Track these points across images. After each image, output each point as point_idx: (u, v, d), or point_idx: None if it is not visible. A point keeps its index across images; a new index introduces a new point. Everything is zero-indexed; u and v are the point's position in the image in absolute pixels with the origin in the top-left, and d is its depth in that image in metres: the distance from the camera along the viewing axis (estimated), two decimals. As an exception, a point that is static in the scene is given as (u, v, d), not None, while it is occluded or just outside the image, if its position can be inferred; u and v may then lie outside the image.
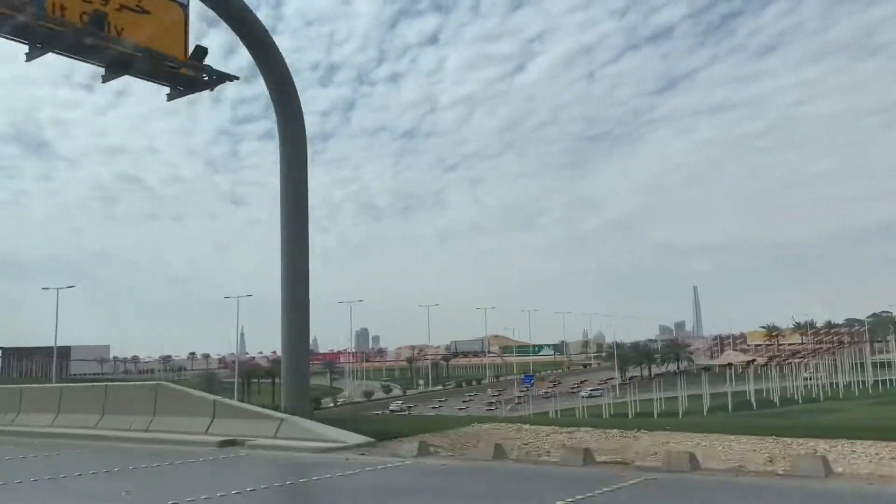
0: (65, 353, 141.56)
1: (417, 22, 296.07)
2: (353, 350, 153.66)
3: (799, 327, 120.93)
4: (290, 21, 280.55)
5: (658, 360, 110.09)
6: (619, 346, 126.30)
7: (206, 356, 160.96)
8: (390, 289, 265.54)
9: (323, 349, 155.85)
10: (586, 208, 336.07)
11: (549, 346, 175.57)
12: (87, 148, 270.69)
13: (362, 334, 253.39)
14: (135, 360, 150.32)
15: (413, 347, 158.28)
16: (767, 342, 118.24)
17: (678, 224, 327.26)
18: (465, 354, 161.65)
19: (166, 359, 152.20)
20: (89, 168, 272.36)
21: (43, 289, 75.60)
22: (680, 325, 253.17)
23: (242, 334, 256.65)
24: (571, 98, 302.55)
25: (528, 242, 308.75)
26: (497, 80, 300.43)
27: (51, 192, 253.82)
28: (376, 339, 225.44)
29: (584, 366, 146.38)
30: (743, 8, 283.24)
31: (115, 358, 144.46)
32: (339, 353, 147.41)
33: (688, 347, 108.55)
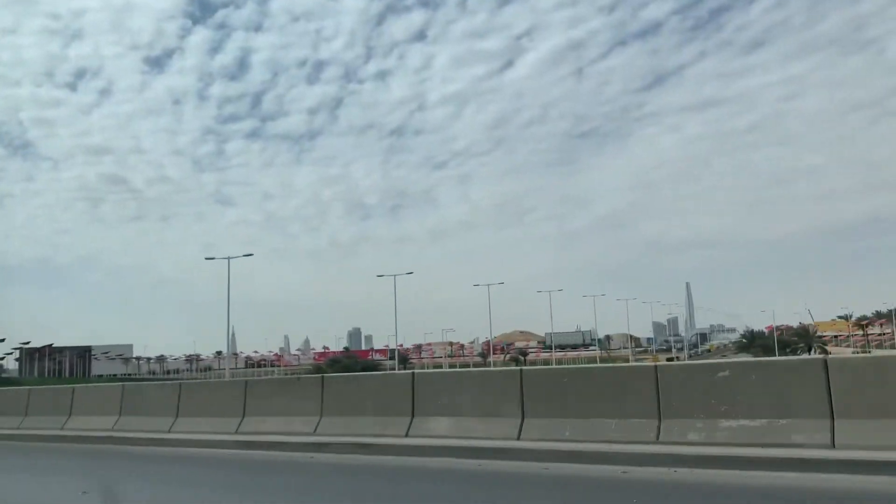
0: (85, 352, 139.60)
1: (404, 18, 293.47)
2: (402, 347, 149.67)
3: (880, 316, 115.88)
4: (277, 17, 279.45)
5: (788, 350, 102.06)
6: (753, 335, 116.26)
7: (236, 355, 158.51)
8: (380, 288, 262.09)
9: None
10: (576, 205, 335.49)
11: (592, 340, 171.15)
12: (72, 148, 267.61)
13: (355, 334, 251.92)
14: (161, 359, 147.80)
15: (451, 344, 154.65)
16: (852, 333, 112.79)
17: (667, 220, 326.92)
18: (563, 348, 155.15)
19: (194, 358, 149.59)
20: (74, 169, 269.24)
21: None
22: (673, 321, 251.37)
23: (233, 334, 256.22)
24: (560, 95, 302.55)
25: (518, 240, 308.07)
26: (485, 77, 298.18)
27: (35, 193, 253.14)
28: (369, 338, 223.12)
29: (668, 360, 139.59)
30: (731, 3, 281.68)
31: (138, 357, 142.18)
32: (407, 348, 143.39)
33: (819, 336, 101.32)
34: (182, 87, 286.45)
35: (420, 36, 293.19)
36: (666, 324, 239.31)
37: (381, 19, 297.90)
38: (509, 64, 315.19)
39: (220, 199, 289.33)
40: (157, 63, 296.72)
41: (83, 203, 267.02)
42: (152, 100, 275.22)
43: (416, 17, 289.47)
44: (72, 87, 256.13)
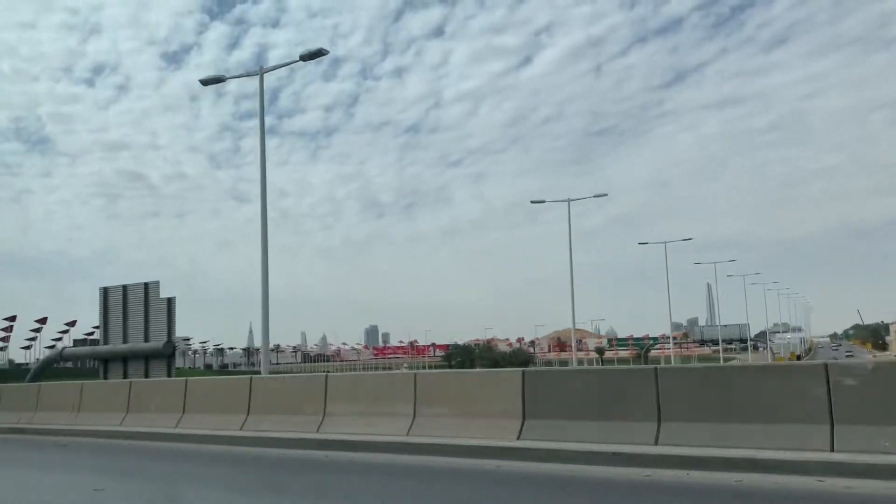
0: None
1: (422, 14, 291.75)
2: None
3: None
4: (294, 13, 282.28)
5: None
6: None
7: (295, 349, 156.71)
8: (394, 286, 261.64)
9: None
10: (591, 204, 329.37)
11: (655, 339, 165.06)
12: (89, 144, 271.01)
13: (372, 331, 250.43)
14: (220, 351, 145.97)
15: (519, 340, 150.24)
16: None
17: (683, 220, 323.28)
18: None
19: (249, 351, 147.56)
20: (91, 164, 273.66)
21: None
22: (693, 322, 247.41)
23: (251, 331, 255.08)
24: (578, 92, 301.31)
25: (531, 238, 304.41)
26: (503, 74, 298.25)
27: (52, 188, 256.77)
28: (386, 335, 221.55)
29: (798, 358, 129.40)
30: None
31: (194, 351, 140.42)
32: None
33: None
34: (199, 83, 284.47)
35: (438, 32, 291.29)
36: (686, 324, 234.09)
37: (398, 15, 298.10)
38: (527, 60, 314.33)
39: (236, 195, 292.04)
40: (174, 59, 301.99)
41: (100, 199, 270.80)
42: (169, 96, 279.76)
43: (435, 13, 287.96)
44: (89, 82, 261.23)
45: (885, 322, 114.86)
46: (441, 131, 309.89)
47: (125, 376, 21.66)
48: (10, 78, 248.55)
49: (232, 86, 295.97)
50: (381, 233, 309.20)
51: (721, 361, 72.25)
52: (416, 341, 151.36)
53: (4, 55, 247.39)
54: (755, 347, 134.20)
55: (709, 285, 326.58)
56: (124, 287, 22.07)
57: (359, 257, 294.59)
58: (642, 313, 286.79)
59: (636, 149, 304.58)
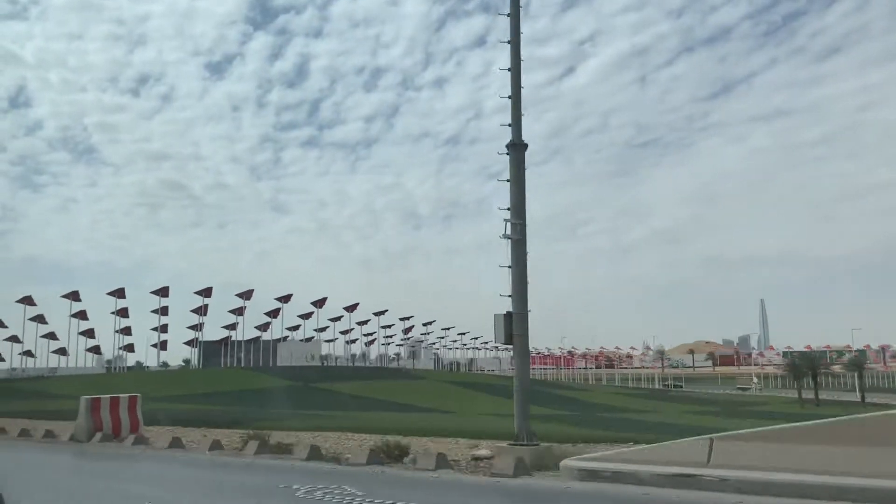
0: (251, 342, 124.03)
1: (465, 23, 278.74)
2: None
3: None
4: (337, 23, 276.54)
5: None
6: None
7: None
8: (430, 297, 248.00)
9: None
10: (633, 218, 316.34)
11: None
12: (133, 154, 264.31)
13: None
14: (362, 356, 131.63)
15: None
16: None
17: (729, 235, 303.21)
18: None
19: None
20: (134, 174, 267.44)
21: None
22: (744, 339, 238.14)
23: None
24: (622, 103, 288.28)
25: (571, 252, 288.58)
26: (545, 85, 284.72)
27: (97, 198, 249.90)
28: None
29: None
30: (807, 7, 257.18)
31: (324, 356, 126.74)
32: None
33: None
34: (241, 93, 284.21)
35: (480, 41, 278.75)
36: (737, 341, 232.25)
37: (441, 24, 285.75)
38: (570, 70, 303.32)
39: (276, 206, 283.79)
40: (217, 69, 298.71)
41: (143, 209, 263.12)
42: (212, 106, 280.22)
43: (477, 22, 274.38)
44: (135, 92, 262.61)
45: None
46: (481, 142, 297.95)
47: None
48: (59, 88, 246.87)
49: (274, 96, 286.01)
50: (417, 244, 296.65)
51: None
52: (574, 349, 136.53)
53: (53, 66, 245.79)
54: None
55: (762, 301, 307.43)
56: None
57: (396, 269, 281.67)
58: (685, 329, 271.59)
59: (681, 161, 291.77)
